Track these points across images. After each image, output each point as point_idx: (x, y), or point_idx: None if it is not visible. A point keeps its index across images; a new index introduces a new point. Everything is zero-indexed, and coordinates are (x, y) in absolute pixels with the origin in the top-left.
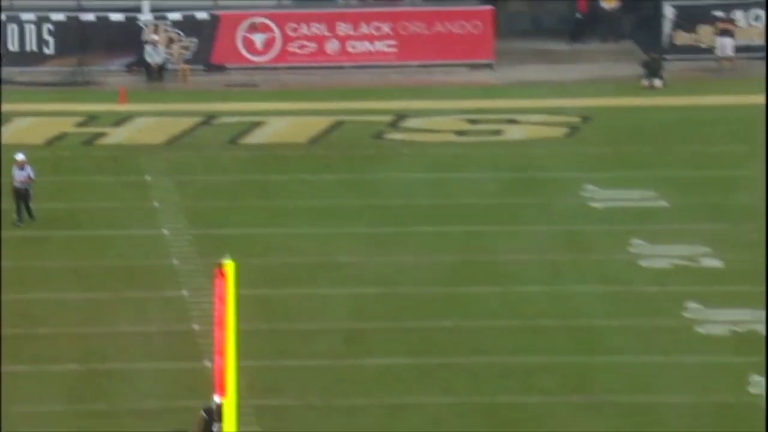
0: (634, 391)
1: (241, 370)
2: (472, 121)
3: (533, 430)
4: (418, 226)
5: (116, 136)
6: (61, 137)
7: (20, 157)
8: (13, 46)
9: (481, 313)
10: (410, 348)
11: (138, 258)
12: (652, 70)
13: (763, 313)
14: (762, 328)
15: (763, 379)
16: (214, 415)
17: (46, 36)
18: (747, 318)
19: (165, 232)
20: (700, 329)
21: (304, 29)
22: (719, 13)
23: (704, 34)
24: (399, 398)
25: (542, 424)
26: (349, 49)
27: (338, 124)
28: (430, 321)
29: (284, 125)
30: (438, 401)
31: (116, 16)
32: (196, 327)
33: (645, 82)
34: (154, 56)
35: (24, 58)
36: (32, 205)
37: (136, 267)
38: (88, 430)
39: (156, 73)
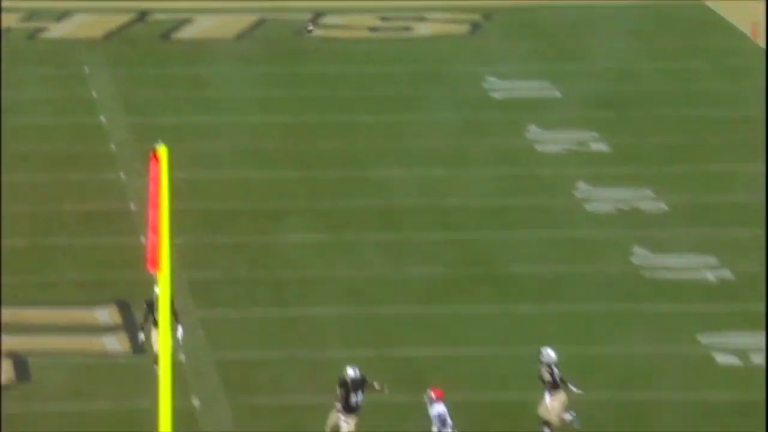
0: (532, 263)
1: (173, 247)
2: (385, 19)
3: (439, 300)
4: (335, 114)
5: (57, 30)
6: (5, 32)
7: None
8: None
9: (392, 192)
10: (328, 225)
11: (79, 144)
12: None
13: (646, 191)
14: (645, 206)
15: (645, 251)
16: (155, 305)
17: None
18: (631, 196)
19: (103, 120)
20: (589, 207)
21: None
22: None
23: None
24: (318, 271)
25: (447, 294)
26: None
27: (261, 22)
28: (347, 200)
29: (212, 23)
30: (354, 274)
31: None
32: (132, 206)
33: None
34: None
35: None
36: None
37: (78, 152)
38: (33, 299)
39: None
